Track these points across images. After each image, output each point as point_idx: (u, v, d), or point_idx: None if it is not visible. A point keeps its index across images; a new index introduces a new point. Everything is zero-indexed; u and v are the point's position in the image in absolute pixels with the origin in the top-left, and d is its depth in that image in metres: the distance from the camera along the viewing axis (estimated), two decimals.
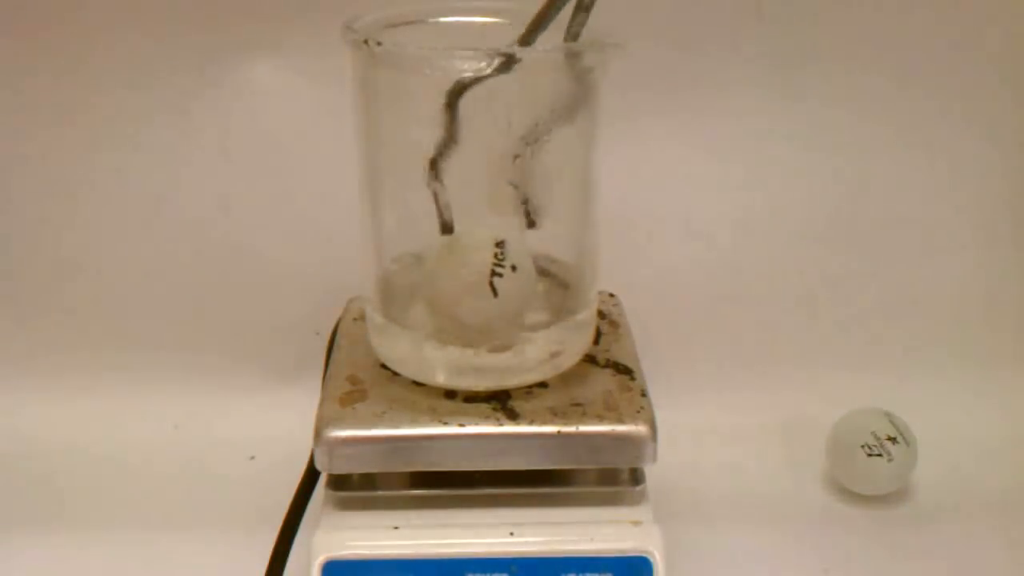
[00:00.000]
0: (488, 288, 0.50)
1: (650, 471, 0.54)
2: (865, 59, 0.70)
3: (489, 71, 0.47)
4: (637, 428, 0.51)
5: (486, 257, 0.50)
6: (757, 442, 0.71)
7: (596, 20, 0.50)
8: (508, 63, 0.47)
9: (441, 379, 0.53)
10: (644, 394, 0.54)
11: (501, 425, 0.51)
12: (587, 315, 0.56)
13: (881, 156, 0.72)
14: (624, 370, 0.56)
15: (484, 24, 0.55)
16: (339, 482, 0.53)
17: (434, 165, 0.51)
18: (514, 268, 0.51)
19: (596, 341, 0.58)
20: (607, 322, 0.61)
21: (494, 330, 0.52)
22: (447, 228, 0.52)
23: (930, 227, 0.74)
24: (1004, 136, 0.72)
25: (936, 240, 0.74)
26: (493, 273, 0.50)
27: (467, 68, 0.48)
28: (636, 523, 0.52)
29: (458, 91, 0.48)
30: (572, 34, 0.49)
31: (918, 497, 0.66)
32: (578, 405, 0.52)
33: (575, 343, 0.55)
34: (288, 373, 0.73)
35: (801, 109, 0.71)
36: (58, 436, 0.71)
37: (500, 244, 0.51)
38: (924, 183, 0.73)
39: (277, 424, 0.70)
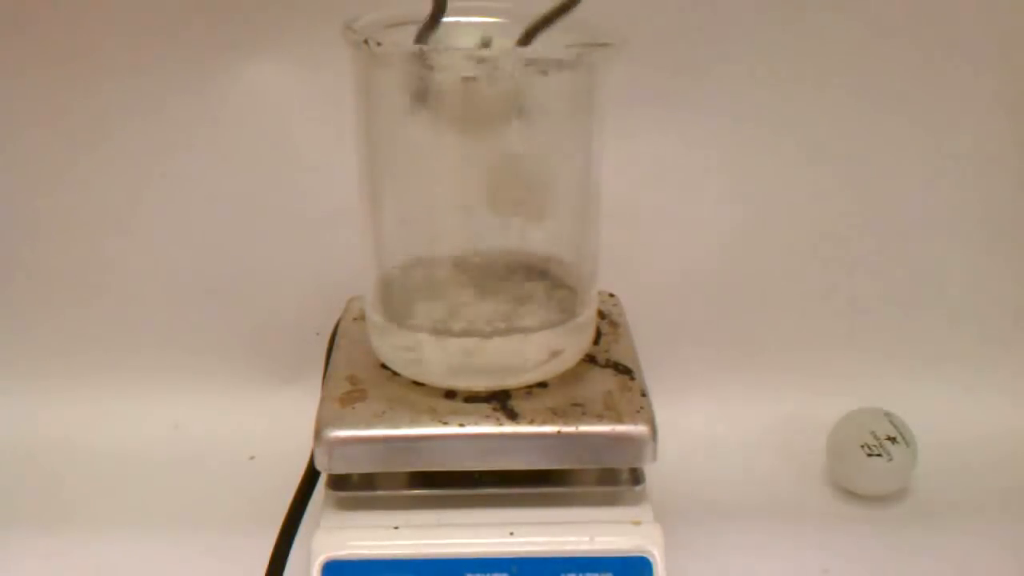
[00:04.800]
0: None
1: (650, 471, 0.54)
2: (866, 58, 0.70)
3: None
4: (637, 428, 0.51)
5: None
6: (757, 442, 0.71)
7: (596, 20, 0.50)
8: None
9: (441, 379, 0.53)
10: (644, 394, 0.54)
11: (501, 425, 0.51)
12: (587, 315, 0.56)
13: (881, 157, 0.72)
14: (624, 370, 0.56)
15: (484, 24, 0.55)
16: (339, 482, 0.53)
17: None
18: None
19: (596, 341, 0.58)
20: (607, 322, 0.61)
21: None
22: None
23: (930, 227, 0.74)
24: (1005, 136, 0.72)
25: (936, 240, 0.74)
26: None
27: (467, 68, 0.48)
28: (636, 523, 0.52)
29: None
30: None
31: (918, 497, 0.66)
32: (578, 405, 0.52)
33: (575, 343, 0.55)
34: (288, 373, 0.73)
35: (802, 109, 0.71)
36: (58, 436, 0.71)
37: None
38: (924, 184, 0.73)
39: (277, 424, 0.70)
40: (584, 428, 0.51)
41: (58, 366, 0.73)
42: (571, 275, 0.56)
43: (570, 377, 0.55)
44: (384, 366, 0.55)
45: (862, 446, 0.63)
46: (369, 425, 0.51)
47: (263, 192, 0.72)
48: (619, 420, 0.51)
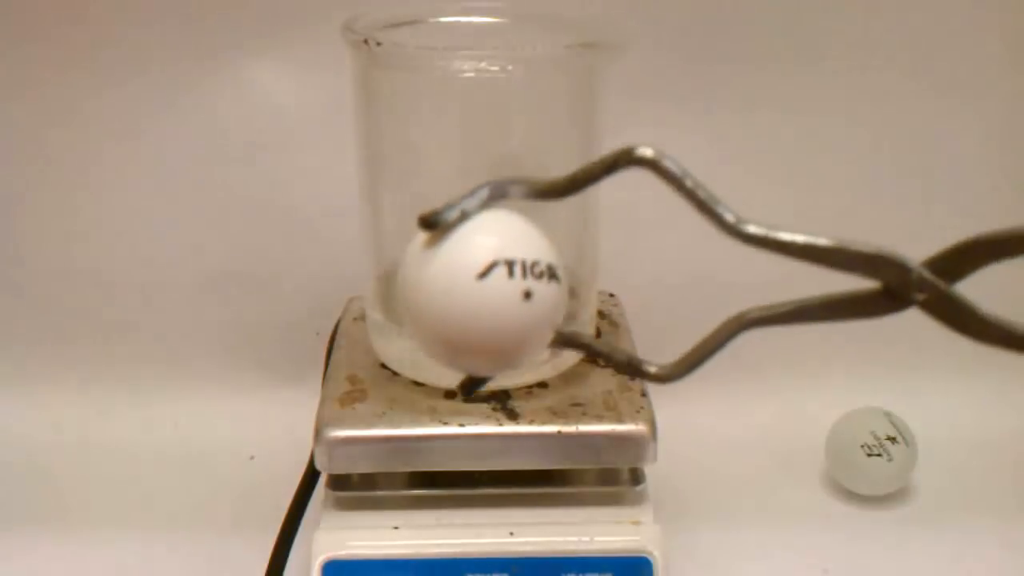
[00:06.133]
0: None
1: (650, 471, 0.54)
2: (865, 58, 0.70)
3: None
4: (637, 428, 0.51)
5: None
6: (757, 442, 0.71)
7: (597, 19, 0.50)
8: None
9: (441, 379, 0.53)
10: (644, 394, 0.54)
11: (501, 425, 0.51)
12: (587, 315, 0.56)
13: (881, 155, 0.72)
14: None
15: (484, 24, 0.55)
16: (339, 482, 0.53)
17: None
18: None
19: None
20: (607, 322, 0.61)
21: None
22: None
23: (930, 227, 0.73)
24: (1005, 134, 0.72)
25: (936, 240, 0.74)
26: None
27: (467, 68, 0.48)
28: (636, 523, 0.52)
29: None
30: None
31: (918, 497, 0.66)
32: (578, 405, 0.52)
33: None
34: (288, 373, 0.73)
35: (802, 108, 0.70)
36: (57, 436, 0.71)
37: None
38: (923, 183, 0.73)
39: (277, 424, 0.70)
40: (584, 428, 0.51)
41: (58, 366, 0.73)
42: (571, 275, 0.56)
43: (570, 377, 0.55)
44: (384, 366, 0.55)
45: (862, 446, 0.63)
46: (369, 425, 0.51)
47: (263, 192, 0.72)
48: (619, 420, 0.51)
